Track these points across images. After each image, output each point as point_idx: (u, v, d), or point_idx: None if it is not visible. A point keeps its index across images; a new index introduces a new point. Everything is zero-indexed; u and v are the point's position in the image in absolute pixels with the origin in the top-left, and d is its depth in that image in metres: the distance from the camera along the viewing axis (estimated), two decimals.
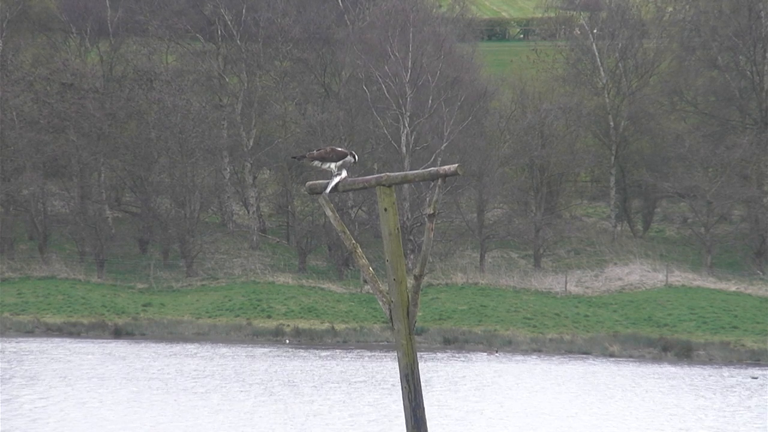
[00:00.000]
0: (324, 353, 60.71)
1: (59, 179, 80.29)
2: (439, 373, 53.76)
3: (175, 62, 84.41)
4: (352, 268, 74.20)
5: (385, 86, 75.35)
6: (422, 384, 17.45)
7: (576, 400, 46.85)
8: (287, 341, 64.85)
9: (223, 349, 61.04)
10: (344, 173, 17.72)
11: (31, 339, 63.78)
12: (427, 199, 71.76)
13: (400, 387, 17.45)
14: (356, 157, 17.89)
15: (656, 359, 61.34)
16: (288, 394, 46.68)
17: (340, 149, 17.87)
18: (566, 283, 72.21)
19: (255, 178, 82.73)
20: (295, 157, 18.87)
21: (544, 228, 77.40)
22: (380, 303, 17.59)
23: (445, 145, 74.31)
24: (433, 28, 78.97)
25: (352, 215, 76.42)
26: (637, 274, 73.43)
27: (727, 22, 79.84)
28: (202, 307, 69.35)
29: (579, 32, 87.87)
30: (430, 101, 75.58)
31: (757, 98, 79.46)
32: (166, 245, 77.61)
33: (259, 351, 60.92)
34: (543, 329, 65.46)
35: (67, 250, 77.68)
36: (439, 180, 17.32)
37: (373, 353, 60.83)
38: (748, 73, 79.62)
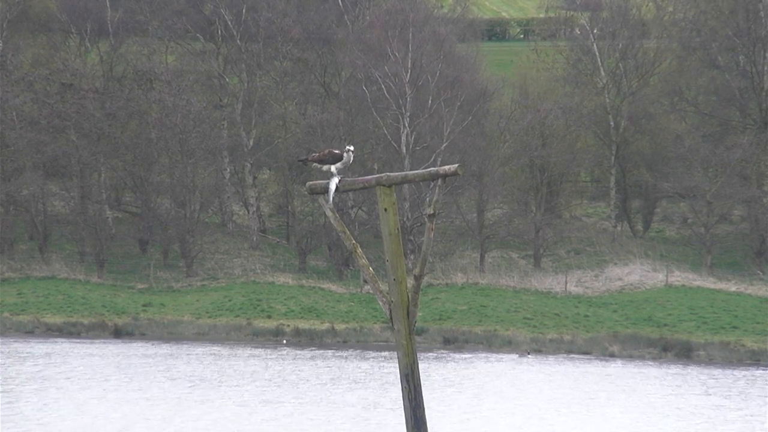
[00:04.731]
0: (324, 353, 60.70)
1: (59, 179, 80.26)
2: (439, 372, 53.76)
3: (175, 62, 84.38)
4: (352, 268, 74.17)
5: (385, 86, 75.32)
6: (422, 384, 17.44)
7: (576, 400, 46.86)
8: (285, 341, 64.80)
9: (223, 350, 61.04)
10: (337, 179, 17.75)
11: (31, 339, 63.79)
12: (427, 199, 71.73)
13: (399, 387, 17.44)
14: (351, 151, 17.84)
15: (656, 359, 61.32)
16: (287, 394, 46.69)
17: (336, 151, 17.89)
18: (566, 283, 72.18)
19: (255, 178, 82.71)
20: (301, 161, 18.93)
21: (544, 228, 77.37)
22: (380, 303, 17.59)
23: (445, 145, 74.28)
24: (432, 28, 78.93)
25: (352, 215, 76.40)
26: (637, 274, 73.39)
27: (726, 22, 79.85)
28: (202, 307, 69.33)
29: (579, 32, 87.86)
30: (430, 101, 75.56)
31: (757, 98, 79.44)
32: (166, 245, 77.58)
33: (259, 351, 60.92)
34: (543, 329, 65.43)
35: (67, 250, 77.66)
36: (439, 180, 17.32)
37: (373, 353, 60.82)
38: (748, 73, 79.59)
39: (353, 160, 18.08)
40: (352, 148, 17.96)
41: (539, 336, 64.34)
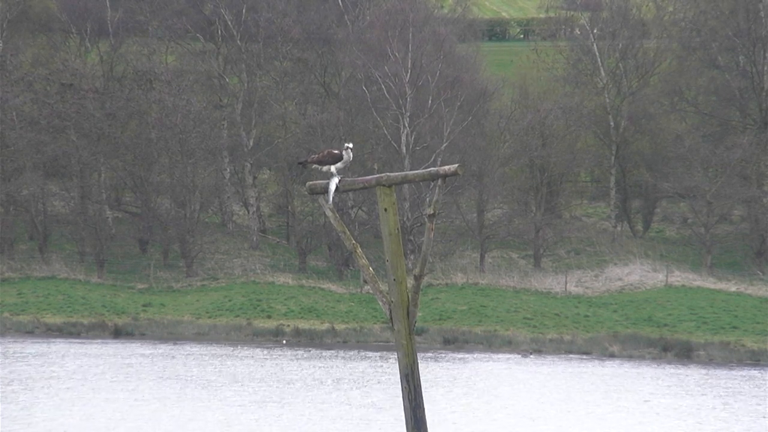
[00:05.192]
0: (324, 353, 60.70)
1: (59, 179, 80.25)
2: (439, 373, 53.75)
3: (175, 62, 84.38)
4: (352, 268, 74.16)
5: (385, 86, 75.32)
6: (422, 384, 17.44)
7: (576, 401, 46.86)
8: (284, 341, 64.79)
9: (220, 350, 61.02)
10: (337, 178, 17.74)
11: (31, 339, 63.77)
12: (427, 199, 71.72)
13: (399, 387, 17.44)
14: (350, 148, 17.82)
15: (656, 359, 61.31)
16: (287, 394, 46.68)
17: (336, 151, 17.87)
18: (566, 283, 72.17)
19: (255, 178, 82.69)
20: (300, 163, 18.93)
21: (544, 228, 77.35)
22: (380, 303, 17.59)
23: (445, 145, 74.28)
24: (432, 28, 78.92)
25: (352, 215, 76.39)
26: (637, 274, 73.37)
27: (726, 23, 79.86)
28: (202, 307, 69.32)
29: (579, 32, 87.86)
30: (430, 101, 75.55)
31: (757, 98, 79.43)
32: (166, 245, 77.57)
33: (257, 351, 60.90)
34: (543, 329, 65.41)
35: (67, 250, 77.64)
36: (439, 180, 17.32)
37: (373, 353, 60.81)
38: (748, 73, 79.59)
39: (353, 159, 18.05)
40: (351, 145, 17.93)
41: (539, 336, 64.32)
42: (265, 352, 60.71)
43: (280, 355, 59.32)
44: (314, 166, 17.94)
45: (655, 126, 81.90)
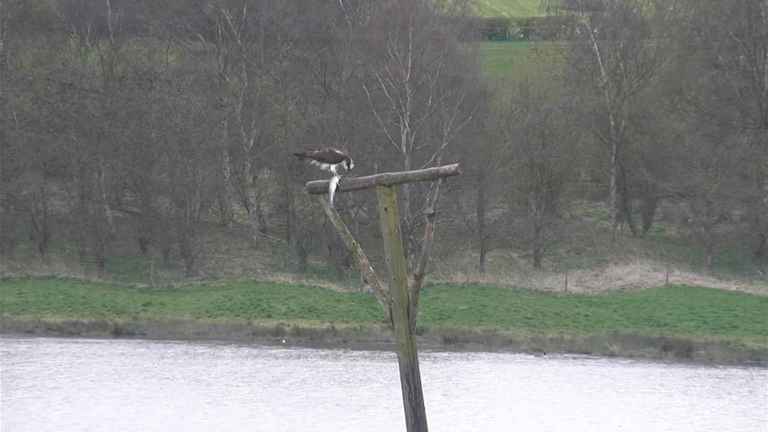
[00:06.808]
0: (324, 353, 60.69)
1: (59, 179, 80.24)
2: (439, 372, 53.75)
3: (175, 62, 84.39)
4: (352, 267, 74.18)
5: (385, 86, 75.33)
6: (422, 383, 17.44)
7: (576, 400, 46.86)
8: (284, 341, 64.77)
9: (223, 349, 61.02)
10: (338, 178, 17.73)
11: (31, 339, 63.75)
12: (428, 198, 71.74)
13: (400, 386, 17.44)
14: (351, 164, 17.84)
15: (656, 359, 61.32)
16: (287, 394, 46.67)
17: (338, 152, 17.86)
18: (566, 282, 72.17)
19: (255, 177, 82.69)
20: (296, 155, 18.92)
21: (544, 228, 77.35)
22: (380, 303, 17.58)
23: (445, 144, 74.29)
24: (432, 27, 78.95)
25: (352, 215, 76.39)
26: (637, 274, 73.39)
27: (727, 22, 79.88)
28: (203, 306, 69.32)
29: (580, 32, 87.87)
30: (430, 101, 75.56)
31: (757, 98, 79.46)
32: (167, 245, 77.57)
33: (259, 351, 60.90)
34: (543, 329, 65.43)
35: (68, 250, 77.64)
36: (440, 180, 17.31)
37: (373, 353, 60.81)
38: (749, 72, 79.61)
39: (348, 168, 18.04)
40: (353, 166, 17.95)
41: (539, 336, 64.34)
42: (263, 351, 60.69)
43: (278, 355, 59.30)
44: (313, 162, 17.93)
45: (655, 126, 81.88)
